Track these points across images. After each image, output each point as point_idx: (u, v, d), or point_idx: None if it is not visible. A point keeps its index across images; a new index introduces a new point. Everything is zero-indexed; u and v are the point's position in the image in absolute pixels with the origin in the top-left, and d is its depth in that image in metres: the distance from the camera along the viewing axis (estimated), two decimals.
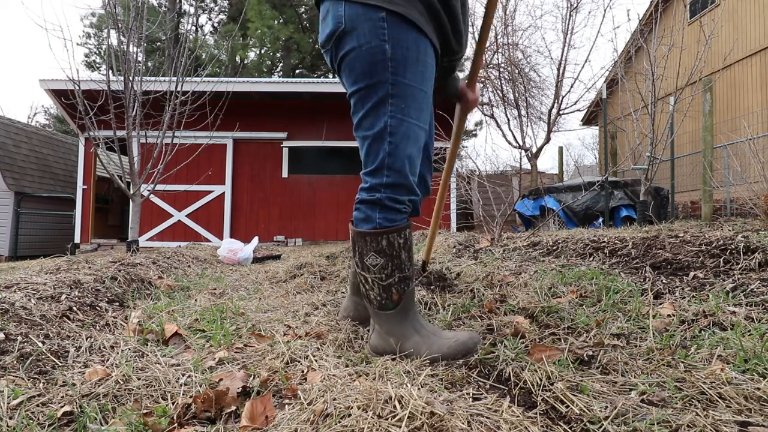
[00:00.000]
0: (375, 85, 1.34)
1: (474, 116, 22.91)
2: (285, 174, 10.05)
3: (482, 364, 1.36)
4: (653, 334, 1.48)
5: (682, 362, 1.25)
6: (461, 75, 1.75)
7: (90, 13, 20.74)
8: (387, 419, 0.94)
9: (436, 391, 1.14)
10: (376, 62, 1.32)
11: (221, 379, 1.26)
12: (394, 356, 1.43)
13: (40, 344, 1.49)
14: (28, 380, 1.27)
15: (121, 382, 1.25)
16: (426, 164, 1.70)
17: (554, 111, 11.26)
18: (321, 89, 9.66)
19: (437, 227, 1.90)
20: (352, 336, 1.73)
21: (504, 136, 11.58)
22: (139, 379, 1.28)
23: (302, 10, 19.85)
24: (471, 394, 1.14)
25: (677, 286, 1.95)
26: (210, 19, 22.66)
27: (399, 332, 1.43)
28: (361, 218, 1.44)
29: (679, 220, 6.14)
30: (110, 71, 5.38)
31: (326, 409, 1.01)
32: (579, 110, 12.20)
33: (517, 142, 11.42)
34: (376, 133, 1.37)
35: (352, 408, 0.98)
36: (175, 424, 1.08)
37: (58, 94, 8.93)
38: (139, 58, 5.86)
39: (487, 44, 12.89)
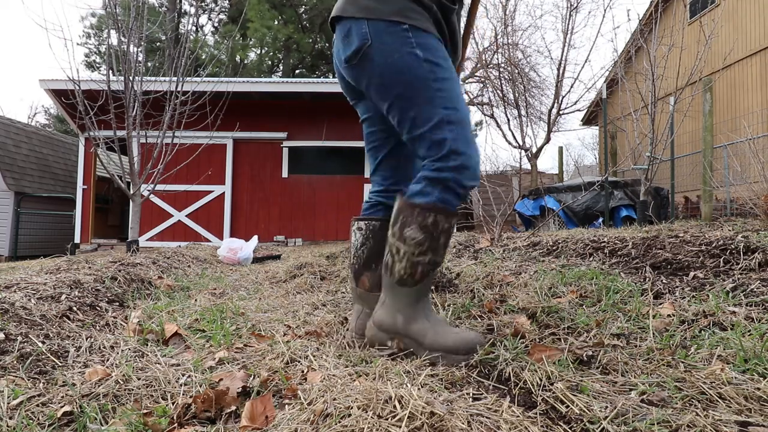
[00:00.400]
0: (419, 87, 1.43)
1: (474, 116, 22.89)
2: (285, 174, 10.04)
3: (482, 364, 1.36)
4: (653, 334, 1.48)
5: (682, 362, 1.25)
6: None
7: (90, 14, 20.75)
8: (387, 419, 0.94)
9: (436, 391, 1.14)
10: (414, 67, 1.43)
11: (221, 379, 1.26)
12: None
13: (40, 344, 1.49)
14: (28, 380, 1.27)
15: (121, 382, 1.25)
16: None
17: (554, 111, 11.26)
18: (321, 89, 9.65)
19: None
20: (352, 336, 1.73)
21: (504, 136, 11.59)
22: (139, 379, 1.28)
23: (302, 10, 19.85)
24: (471, 394, 1.14)
25: (677, 286, 1.95)
26: (210, 19, 22.67)
27: (408, 313, 1.45)
28: (417, 191, 1.44)
29: (679, 220, 6.14)
30: (110, 71, 5.38)
31: (326, 409, 1.01)
32: (579, 110, 12.22)
33: (517, 142, 11.42)
34: (434, 125, 1.42)
35: (352, 408, 0.98)
36: (175, 424, 1.08)
37: (58, 94, 8.93)
38: (139, 58, 5.86)
39: (487, 44, 12.79)
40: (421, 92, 1.44)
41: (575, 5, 10.79)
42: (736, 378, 1.12)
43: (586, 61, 11.09)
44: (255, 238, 5.96)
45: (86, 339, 1.64)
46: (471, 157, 1.44)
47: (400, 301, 1.47)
